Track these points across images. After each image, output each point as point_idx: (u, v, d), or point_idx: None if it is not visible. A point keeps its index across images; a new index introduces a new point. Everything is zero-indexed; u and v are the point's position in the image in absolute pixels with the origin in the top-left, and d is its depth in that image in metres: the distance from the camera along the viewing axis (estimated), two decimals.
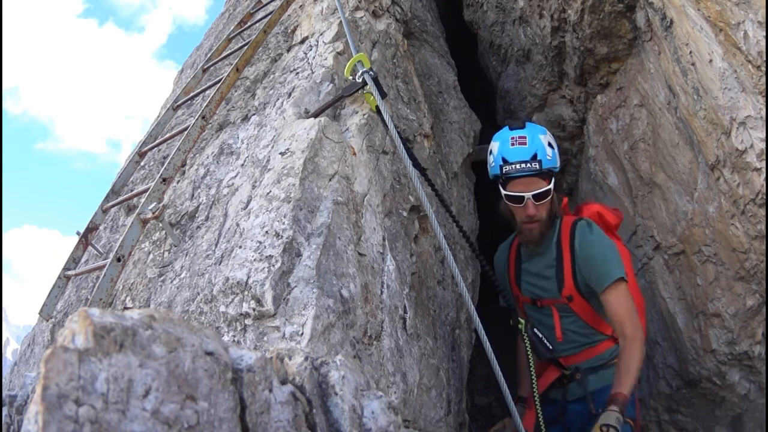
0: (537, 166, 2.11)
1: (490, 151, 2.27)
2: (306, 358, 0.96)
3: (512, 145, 2.17)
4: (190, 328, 0.77)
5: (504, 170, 2.15)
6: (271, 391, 0.84)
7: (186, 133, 2.16)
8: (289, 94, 2.27)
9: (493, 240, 2.64)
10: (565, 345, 2.29)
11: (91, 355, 0.62)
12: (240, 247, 1.58)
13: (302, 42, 2.73)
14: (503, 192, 2.19)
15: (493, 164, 2.22)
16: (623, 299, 2.13)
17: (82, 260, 2.45)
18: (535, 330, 2.20)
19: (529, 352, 2.42)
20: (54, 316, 2.27)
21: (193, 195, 2.21)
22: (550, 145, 2.21)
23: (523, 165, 2.12)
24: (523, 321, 2.21)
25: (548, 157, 2.15)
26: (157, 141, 2.64)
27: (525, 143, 2.16)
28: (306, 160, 1.72)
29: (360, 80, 2.05)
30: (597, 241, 2.21)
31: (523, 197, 2.12)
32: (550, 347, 2.18)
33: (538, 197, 2.13)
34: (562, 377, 2.29)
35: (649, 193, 3.12)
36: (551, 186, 2.16)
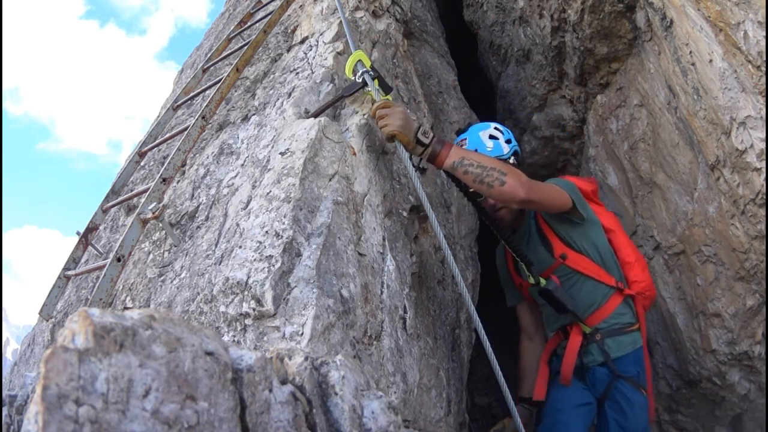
0: None
1: None
2: (306, 358, 0.96)
3: None
4: (190, 328, 0.77)
5: None
6: (271, 391, 0.84)
7: (186, 133, 2.16)
8: (289, 94, 2.27)
9: (493, 240, 2.64)
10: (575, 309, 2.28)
11: (91, 355, 0.62)
12: (240, 247, 1.58)
13: (302, 42, 2.73)
14: (465, 195, 2.35)
15: None
16: (541, 182, 2.14)
17: (82, 260, 2.45)
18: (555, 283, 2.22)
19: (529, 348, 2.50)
20: (54, 316, 2.27)
21: (193, 195, 2.21)
22: (491, 137, 2.40)
23: None
24: (544, 279, 2.23)
25: (488, 149, 2.36)
26: (157, 141, 2.63)
27: (465, 143, 2.39)
28: (306, 160, 1.72)
29: (360, 80, 2.05)
30: (555, 178, 2.31)
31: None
32: (572, 299, 2.20)
33: None
34: (582, 338, 2.29)
35: (649, 193, 3.12)
36: None
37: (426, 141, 1.91)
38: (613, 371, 2.22)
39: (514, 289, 2.56)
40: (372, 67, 2.07)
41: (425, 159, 1.97)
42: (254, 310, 1.40)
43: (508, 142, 2.42)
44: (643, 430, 2.18)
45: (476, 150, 2.35)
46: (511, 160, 2.38)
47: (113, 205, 2.43)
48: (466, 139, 2.41)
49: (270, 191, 1.69)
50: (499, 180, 1.87)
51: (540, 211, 2.29)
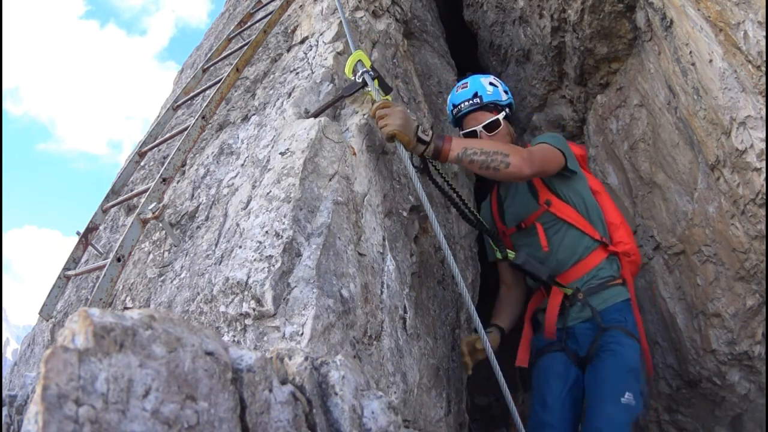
0: (478, 101, 2.42)
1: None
2: (306, 358, 0.96)
3: (457, 91, 2.52)
4: (190, 328, 0.77)
5: (454, 113, 2.49)
6: (271, 391, 0.84)
7: (186, 133, 2.16)
8: (289, 94, 2.27)
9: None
10: (555, 258, 2.30)
11: (91, 355, 0.62)
12: (240, 247, 1.58)
13: (302, 42, 2.73)
14: (461, 134, 2.47)
15: (449, 114, 2.55)
16: (537, 147, 2.21)
17: (82, 260, 2.45)
18: (526, 254, 2.24)
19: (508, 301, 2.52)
20: (54, 316, 2.27)
21: (193, 195, 2.20)
22: (491, 84, 2.50)
23: (467, 102, 2.43)
24: (512, 252, 2.28)
25: (488, 93, 2.45)
26: (157, 141, 2.63)
27: (467, 86, 2.49)
28: (306, 160, 1.72)
29: (360, 80, 2.05)
30: (545, 134, 2.43)
31: (475, 131, 2.39)
32: (545, 267, 2.22)
33: (488, 128, 2.39)
34: (564, 300, 2.26)
35: (649, 193, 3.12)
36: (499, 116, 2.40)
37: (426, 138, 1.96)
38: (598, 324, 2.18)
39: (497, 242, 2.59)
40: (372, 67, 2.08)
41: (429, 156, 2.00)
42: (254, 310, 1.40)
43: (505, 92, 2.50)
44: (635, 371, 2.10)
45: (476, 93, 2.44)
46: (507, 111, 2.45)
47: (113, 205, 2.43)
48: (467, 83, 2.49)
49: (270, 191, 1.69)
50: (503, 163, 1.97)
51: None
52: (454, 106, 2.49)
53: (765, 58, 2.13)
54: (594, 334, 2.19)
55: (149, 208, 1.89)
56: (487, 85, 2.48)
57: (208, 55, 3.27)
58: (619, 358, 2.10)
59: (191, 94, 2.84)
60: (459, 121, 2.49)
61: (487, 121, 2.38)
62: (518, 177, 2.05)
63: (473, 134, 2.40)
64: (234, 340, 1.40)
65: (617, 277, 2.29)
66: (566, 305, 2.27)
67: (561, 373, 2.24)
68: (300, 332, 1.34)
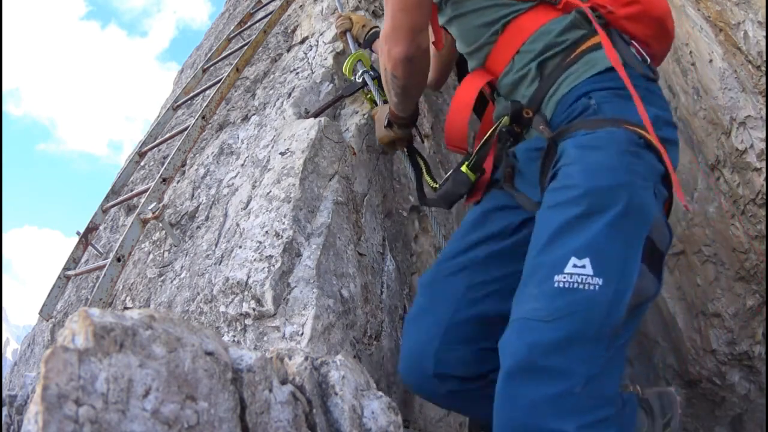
0: None
1: None
2: (306, 358, 0.96)
3: None
4: (190, 328, 0.77)
5: None
6: (271, 391, 0.84)
7: (186, 133, 2.16)
8: (289, 94, 2.27)
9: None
10: (463, 44, 1.46)
11: (91, 355, 0.62)
12: (240, 247, 1.58)
13: (302, 42, 2.73)
14: None
15: None
16: None
17: (82, 260, 2.44)
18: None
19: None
20: (54, 316, 2.27)
21: (193, 195, 2.20)
22: None
23: None
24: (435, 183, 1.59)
25: None
26: (157, 141, 2.63)
27: None
28: (306, 160, 1.72)
29: (360, 80, 2.05)
30: None
31: None
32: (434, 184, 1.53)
33: None
34: (507, 135, 1.33)
35: None
36: None
37: (390, 118, 1.69)
38: (545, 136, 1.22)
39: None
40: (372, 67, 2.08)
41: (403, 123, 1.69)
42: (254, 310, 1.40)
43: None
44: (601, 193, 1.07)
45: None
46: None
47: (113, 205, 2.43)
48: None
49: (270, 191, 1.69)
50: (390, 78, 1.44)
51: None
52: None
53: (765, 58, 2.13)
54: (540, 155, 1.24)
55: (149, 208, 1.89)
56: None
57: (208, 55, 3.27)
58: (561, 183, 1.13)
59: (191, 94, 2.84)
60: None
61: None
62: (405, 66, 1.35)
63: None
64: (234, 340, 1.40)
65: (583, 39, 1.24)
66: (510, 140, 1.36)
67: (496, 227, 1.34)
68: (300, 332, 1.34)
